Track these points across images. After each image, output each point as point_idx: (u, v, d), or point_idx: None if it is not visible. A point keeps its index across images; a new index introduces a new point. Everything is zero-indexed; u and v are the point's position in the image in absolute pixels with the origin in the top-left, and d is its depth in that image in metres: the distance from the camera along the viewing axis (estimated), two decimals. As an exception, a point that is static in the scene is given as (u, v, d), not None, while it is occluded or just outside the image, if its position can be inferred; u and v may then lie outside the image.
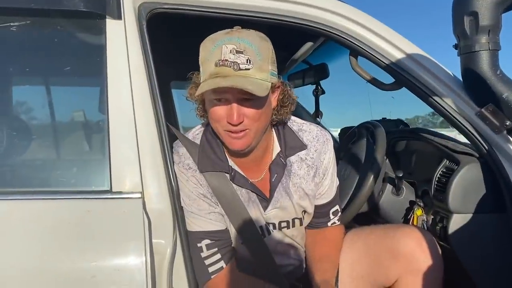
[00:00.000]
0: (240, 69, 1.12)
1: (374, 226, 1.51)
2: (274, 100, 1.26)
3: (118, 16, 1.31)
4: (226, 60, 1.11)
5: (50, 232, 1.16)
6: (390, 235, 1.36)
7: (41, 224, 1.16)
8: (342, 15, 1.46)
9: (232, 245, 1.37)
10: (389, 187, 1.86)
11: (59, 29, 1.32)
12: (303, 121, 1.41)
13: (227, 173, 1.31)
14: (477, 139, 1.46)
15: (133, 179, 1.23)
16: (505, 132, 1.43)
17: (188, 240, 1.30)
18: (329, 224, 1.47)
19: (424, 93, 1.49)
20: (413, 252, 1.31)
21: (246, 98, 1.15)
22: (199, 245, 1.30)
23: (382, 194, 1.86)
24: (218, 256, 1.30)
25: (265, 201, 1.34)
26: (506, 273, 1.46)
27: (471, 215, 1.50)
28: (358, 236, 1.48)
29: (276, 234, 1.39)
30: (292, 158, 1.35)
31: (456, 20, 1.38)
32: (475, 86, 1.42)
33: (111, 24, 1.30)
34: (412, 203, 1.80)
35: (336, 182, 1.46)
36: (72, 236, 1.16)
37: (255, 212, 1.34)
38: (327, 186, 1.41)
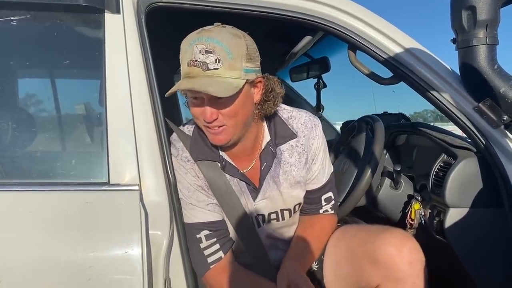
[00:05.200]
0: (208, 69, 1.14)
1: (360, 228, 1.49)
2: (257, 94, 1.27)
3: (116, 10, 1.32)
4: (196, 60, 1.14)
5: (50, 223, 1.18)
6: (371, 240, 1.34)
7: (41, 215, 1.18)
8: (340, 9, 1.47)
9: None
10: (387, 181, 1.87)
11: (59, 23, 1.34)
12: (293, 108, 1.42)
13: (218, 162, 1.33)
14: (474, 133, 1.46)
15: (131, 172, 1.24)
16: (502, 126, 1.43)
17: (186, 232, 1.32)
18: (321, 211, 1.48)
19: (422, 88, 1.49)
20: (392, 260, 1.28)
21: (218, 97, 1.17)
22: (198, 236, 1.32)
23: (381, 188, 1.86)
24: (217, 246, 1.33)
25: (255, 191, 1.36)
26: (502, 267, 1.47)
27: (467, 209, 1.51)
28: (343, 236, 1.47)
29: (266, 226, 1.41)
30: (283, 147, 1.37)
31: (454, 15, 1.38)
32: (472, 80, 1.42)
33: (109, 18, 1.31)
34: (410, 197, 1.80)
35: (328, 168, 1.46)
36: (70, 227, 1.18)
37: (246, 203, 1.36)
38: (317, 171, 1.42)
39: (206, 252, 1.32)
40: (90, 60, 1.35)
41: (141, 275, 1.16)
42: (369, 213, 1.96)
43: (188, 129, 1.38)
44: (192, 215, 1.32)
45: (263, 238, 1.41)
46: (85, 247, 1.17)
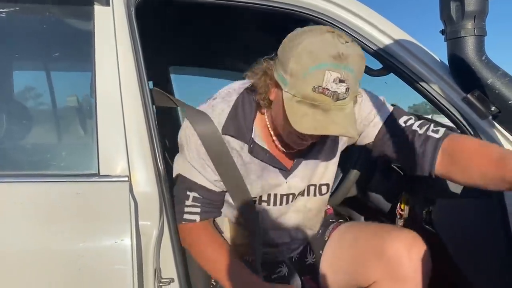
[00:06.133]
0: (338, 99, 1.07)
1: (370, 223, 1.49)
2: None
3: (106, 2, 1.33)
4: (327, 89, 1.06)
5: (40, 214, 1.19)
6: (380, 234, 1.32)
7: (31, 206, 1.19)
8: (330, 1, 1.47)
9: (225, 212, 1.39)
10: (378, 171, 1.88)
11: (48, 15, 1.34)
12: None
13: (246, 144, 1.29)
14: (463, 124, 1.47)
15: (120, 163, 1.26)
16: (490, 117, 1.44)
17: (177, 182, 1.33)
18: (434, 135, 1.26)
19: (411, 79, 1.50)
20: (399, 257, 1.25)
21: None
22: (188, 193, 1.31)
23: (372, 178, 1.87)
24: (198, 210, 1.32)
25: (285, 171, 1.33)
26: (490, 257, 1.49)
27: (456, 199, 1.52)
28: (351, 228, 1.45)
29: (289, 205, 1.38)
30: None
31: (443, 6, 1.40)
32: (461, 71, 1.43)
33: (99, 10, 1.32)
34: (400, 188, 1.81)
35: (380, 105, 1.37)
36: (61, 218, 1.20)
37: (270, 180, 1.33)
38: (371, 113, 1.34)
39: (186, 210, 1.32)
40: (80, 52, 1.36)
41: (131, 265, 1.18)
42: (360, 203, 1.97)
43: (226, 95, 1.33)
44: (192, 174, 1.31)
45: (279, 217, 1.38)
46: (76, 237, 1.18)
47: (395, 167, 1.85)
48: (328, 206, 1.62)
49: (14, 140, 1.36)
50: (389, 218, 1.80)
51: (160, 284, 1.28)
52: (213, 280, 1.44)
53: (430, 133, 1.26)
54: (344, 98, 1.08)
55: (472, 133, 1.46)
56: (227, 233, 1.42)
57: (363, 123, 1.34)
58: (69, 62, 1.48)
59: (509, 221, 1.43)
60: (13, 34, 1.36)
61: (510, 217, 1.43)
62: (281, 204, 1.36)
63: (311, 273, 1.49)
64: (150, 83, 2.89)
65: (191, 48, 2.65)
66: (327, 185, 1.39)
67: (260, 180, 1.32)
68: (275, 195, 1.34)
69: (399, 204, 1.72)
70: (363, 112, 1.33)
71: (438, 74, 1.47)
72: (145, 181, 1.27)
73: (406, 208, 1.70)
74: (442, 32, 1.43)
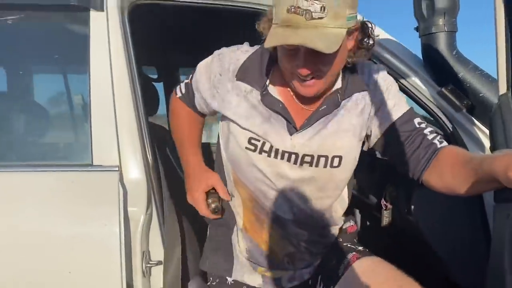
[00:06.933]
0: (312, 18, 1.04)
1: (394, 270, 1.29)
2: (351, 41, 1.18)
3: (100, 7, 1.45)
4: (299, 7, 1.04)
5: (39, 199, 1.34)
6: None
7: (31, 192, 1.34)
8: None
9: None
10: (364, 165, 1.92)
11: (48, 21, 1.49)
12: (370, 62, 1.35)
13: (258, 90, 1.26)
14: (439, 117, 1.53)
15: (112, 155, 1.38)
16: (464, 110, 1.49)
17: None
18: (438, 144, 1.21)
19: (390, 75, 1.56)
20: None
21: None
22: (191, 76, 1.39)
23: (358, 172, 1.92)
24: (184, 92, 1.41)
25: (293, 127, 1.25)
26: (467, 245, 1.53)
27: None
28: (372, 272, 1.30)
29: (293, 167, 1.27)
30: (348, 99, 1.27)
31: (416, 3, 1.47)
32: (434, 66, 1.49)
33: (94, 15, 1.45)
34: (385, 180, 1.86)
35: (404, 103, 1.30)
36: (58, 203, 1.34)
37: (275, 130, 1.25)
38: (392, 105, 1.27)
39: (181, 85, 1.42)
40: (77, 54, 1.50)
41: (119, 247, 1.30)
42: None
43: (252, 48, 1.30)
44: (198, 72, 1.35)
45: (284, 182, 1.29)
46: (70, 221, 1.33)
47: (381, 160, 1.91)
48: (352, 223, 1.52)
49: (19, 135, 1.51)
50: (376, 210, 1.85)
51: (148, 265, 1.40)
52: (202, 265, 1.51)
53: (435, 140, 1.22)
54: (321, 18, 1.05)
55: (450, 126, 1.52)
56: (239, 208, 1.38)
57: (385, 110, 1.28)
58: (67, 63, 1.62)
59: (486, 210, 1.48)
60: (22, 40, 1.51)
61: (487, 207, 1.47)
62: (282, 158, 1.26)
63: None
64: (161, 84, 3.05)
65: (199, 50, 2.76)
66: (340, 157, 1.27)
67: (266, 124, 1.25)
68: (277, 150, 1.26)
69: (384, 195, 1.77)
70: (390, 101, 1.28)
71: (414, 69, 1.53)
72: (134, 170, 1.39)
73: (390, 200, 1.75)
74: (416, 29, 1.50)
